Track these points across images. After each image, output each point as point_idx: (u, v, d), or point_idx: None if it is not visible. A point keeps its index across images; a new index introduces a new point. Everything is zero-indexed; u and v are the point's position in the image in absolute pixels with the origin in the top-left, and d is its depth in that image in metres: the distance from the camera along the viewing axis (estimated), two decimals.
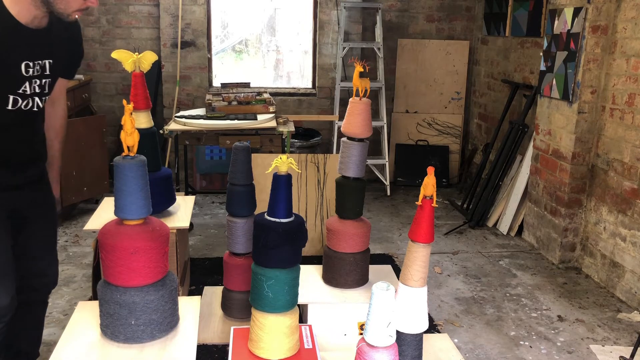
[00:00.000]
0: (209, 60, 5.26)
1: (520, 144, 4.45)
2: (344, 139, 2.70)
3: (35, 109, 1.95)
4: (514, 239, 4.28)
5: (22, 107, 1.90)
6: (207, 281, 3.35)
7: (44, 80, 1.94)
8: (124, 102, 1.89)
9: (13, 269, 1.98)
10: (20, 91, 1.87)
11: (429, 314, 2.89)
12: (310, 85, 5.55)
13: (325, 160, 3.76)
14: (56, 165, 2.28)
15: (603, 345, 2.84)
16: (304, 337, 2.22)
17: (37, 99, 1.94)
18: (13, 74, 1.83)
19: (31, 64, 1.86)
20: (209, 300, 3.02)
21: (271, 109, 4.13)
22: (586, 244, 3.72)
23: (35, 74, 1.89)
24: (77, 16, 1.85)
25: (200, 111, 4.22)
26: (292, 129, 3.97)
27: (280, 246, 2.00)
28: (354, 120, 2.63)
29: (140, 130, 2.03)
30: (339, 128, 5.09)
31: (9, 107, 1.86)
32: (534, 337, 2.91)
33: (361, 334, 2.56)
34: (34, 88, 1.90)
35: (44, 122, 2.12)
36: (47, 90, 1.97)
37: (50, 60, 1.92)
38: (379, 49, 5.11)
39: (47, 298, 2.38)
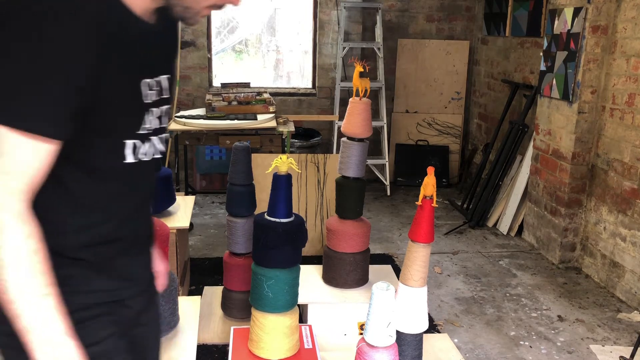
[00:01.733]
0: (209, 60, 5.26)
1: (520, 144, 4.45)
2: (344, 139, 2.70)
3: (157, 155, 1.16)
4: (514, 239, 4.28)
5: (142, 156, 1.10)
6: (207, 281, 3.35)
7: (163, 108, 1.15)
8: None
9: None
10: (141, 131, 1.08)
11: (429, 314, 2.89)
12: (310, 85, 5.55)
13: (325, 160, 3.76)
14: None
15: (603, 345, 2.84)
16: (304, 337, 2.22)
17: (156, 140, 1.14)
18: (132, 100, 1.06)
19: (150, 82, 1.09)
20: (209, 300, 3.02)
21: (271, 109, 4.13)
22: (586, 244, 3.72)
23: (155, 98, 1.11)
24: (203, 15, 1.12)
25: (200, 111, 4.22)
26: (292, 129, 3.97)
27: (280, 246, 2.00)
28: (354, 120, 2.63)
29: None
30: (339, 128, 5.09)
31: (128, 161, 1.07)
32: (534, 337, 2.91)
33: (361, 334, 2.56)
34: (151, 122, 1.11)
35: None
36: (166, 125, 1.18)
37: (168, 76, 1.18)
38: (379, 49, 5.11)
39: None
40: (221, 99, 4.14)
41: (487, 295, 3.36)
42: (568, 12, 3.68)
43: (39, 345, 0.93)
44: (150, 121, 1.10)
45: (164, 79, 1.15)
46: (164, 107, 1.15)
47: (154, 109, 1.11)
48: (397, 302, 2.13)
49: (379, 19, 5.12)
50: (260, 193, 3.13)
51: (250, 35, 5.68)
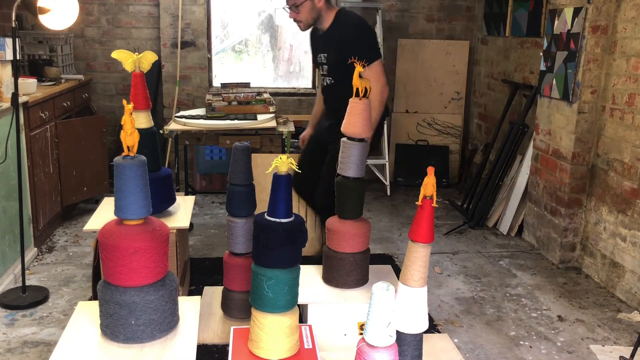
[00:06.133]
0: (209, 60, 5.26)
1: (520, 144, 4.45)
2: (343, 139, 2.70)
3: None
4: (514, 239, 4.28)
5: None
6: (207, 281, 3.35)
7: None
8: (124, 102, 1.89)
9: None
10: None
11: (429, 314, 2.89)
12: (310, 85, 5.54)
13: None
14: None
15: (603, 345, 2.84)
16: (304, 337, 2.22)
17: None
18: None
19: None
20: (209, 300, 3.02)
21: (271, 109, 4.13)
22: (586, 244, 3.72)
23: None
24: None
25: (200, 111, 4.22)
26: (292, 129, 3.97)
27: (280, 246, 2.00)
28: (354, 120, 2.62)
29: (140, 130, 2.04)
30: None
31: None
32: (534, 337, 2.91)
33: (361, 334, 2.56)
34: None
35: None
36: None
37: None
38: None
39: None
40: (221, 99, 4.14)
41: (487, 296, 3.36)
42: (568, 12, 3.68)
43: None
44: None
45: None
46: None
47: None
48: (397, 302, 2.13)
49: (379, 19, 5.11)
50: (260, 193, 3.13)
51: (250, 35, 5.67)
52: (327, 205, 3.23)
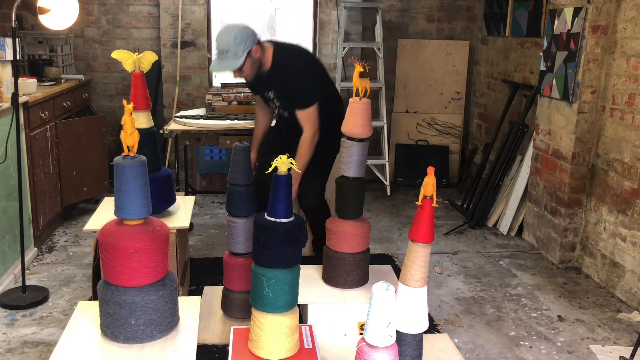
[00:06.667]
0: (209, 60, 5.25)
1: (520, 144, 4.45)
2: (344, 139, 2.70)
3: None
4: (514, 239, 4.28)
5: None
6: (207, 281, 3.35)
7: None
8: (124, 102, 1.89)
9: None
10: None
11: (429, 314, 2.89)
12: None
13: None
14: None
15: (603, 345, 2.84)
16: (304, 337, 2.22)
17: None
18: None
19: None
20: (209, 300, 3.02)
21: None
22: (586, 244, 3.72)
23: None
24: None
25: (200, 111, 4.22)
26: None
27: (280, 246, 2.00)
28: (354, 120, 2.63)
29: (140, 130, 2.04)
30: None
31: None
32: (534, 337, 2.91)
33: (361, 334, 2.56)
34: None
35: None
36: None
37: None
38: (379, 49, 5.11)
39: None
40: (221, 99, 4.14)
41: (487, 295, 3.36)
42: (568, 12, 3.68)
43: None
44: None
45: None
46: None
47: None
48: (397, 302, 2.13)
49: (379, 19, 5.12)
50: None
51: None
52: (315, 205, 3.29)
